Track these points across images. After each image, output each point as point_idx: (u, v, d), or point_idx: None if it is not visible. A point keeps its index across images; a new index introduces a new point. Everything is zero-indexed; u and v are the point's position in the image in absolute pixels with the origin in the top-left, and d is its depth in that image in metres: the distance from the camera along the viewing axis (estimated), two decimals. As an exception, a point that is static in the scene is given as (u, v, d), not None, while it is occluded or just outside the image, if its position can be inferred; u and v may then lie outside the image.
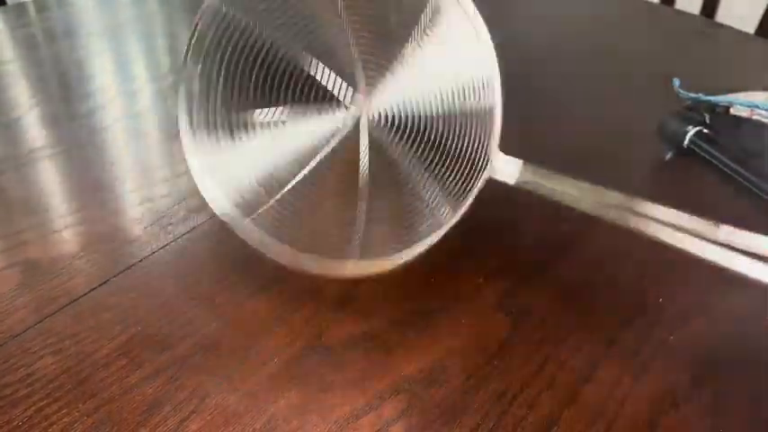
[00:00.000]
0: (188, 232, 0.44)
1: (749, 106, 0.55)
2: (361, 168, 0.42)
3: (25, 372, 0.37)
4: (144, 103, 0.64)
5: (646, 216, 0.32)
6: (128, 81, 0.69)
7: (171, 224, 0.43)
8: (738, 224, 0.47)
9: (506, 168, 0.37)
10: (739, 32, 0.77)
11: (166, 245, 0.43)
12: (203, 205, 0.46)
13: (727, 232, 0.32)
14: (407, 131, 0.42)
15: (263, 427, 0.34)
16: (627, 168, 0.54)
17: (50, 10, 0.83)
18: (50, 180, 0.55)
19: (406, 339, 0.39)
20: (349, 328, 0.39)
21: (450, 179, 0.39)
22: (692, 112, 0.54)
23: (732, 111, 0.55)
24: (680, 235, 0.31)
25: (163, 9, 0.87)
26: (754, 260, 0.31)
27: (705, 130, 0.52)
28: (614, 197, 0.33)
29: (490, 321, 0.40)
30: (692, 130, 0.52)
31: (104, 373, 0.37)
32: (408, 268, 0.38)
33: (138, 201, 0.49)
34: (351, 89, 0.44)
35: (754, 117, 0.55)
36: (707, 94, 0.56)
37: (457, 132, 0.40)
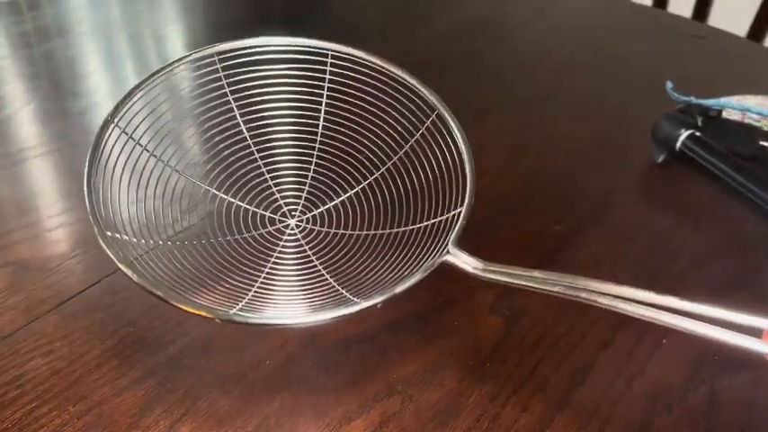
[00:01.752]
0: (179, 233, 0.44)
1: (741, 109, 0.55)
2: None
3: (15, 373, 0.36)
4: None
5: (593, 291, 0.35)
6: (120, 80, 0.68)
7: (161, 225, 0.43)
8: (729, 227, 0.48)
9: (463, 260, 0.38)
10: (731, 36, 0.77)
11: (158, 245, 0.43)
12: (194, 206, 0.46)
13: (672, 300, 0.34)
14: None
15: (255, 429, 0.34)
16: (619, 171, 0.54)
17: (42, 8, 0.83)
18: (42, 179, 0.54)
19: (398, 341, 0.39)
20: (342, 330, 0.39)
21: (404, 260, 0.39)
22: (685, 115, 0.54)
23: (724, 114, 0.55)
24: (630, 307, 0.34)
25: (154, 8, 0.87)
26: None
27: (697, 134, 0.52)
28: (562, 278, 0.36)
29: (483, 323, 0.40)
30: (684, 134, 0.52)
31: (96, 374, 0.36)
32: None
33: (129, 201, 0.48)
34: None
35: (746, 120, 0.55)
36: (699, 98, 0.56)
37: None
